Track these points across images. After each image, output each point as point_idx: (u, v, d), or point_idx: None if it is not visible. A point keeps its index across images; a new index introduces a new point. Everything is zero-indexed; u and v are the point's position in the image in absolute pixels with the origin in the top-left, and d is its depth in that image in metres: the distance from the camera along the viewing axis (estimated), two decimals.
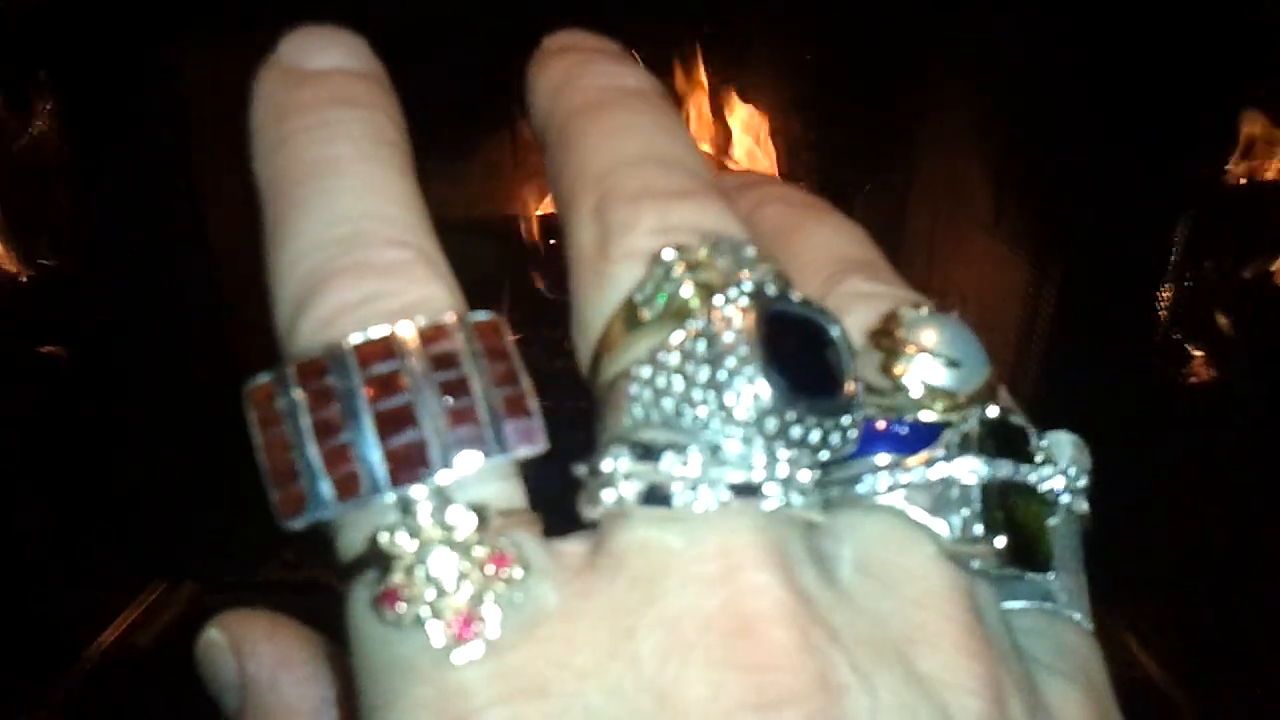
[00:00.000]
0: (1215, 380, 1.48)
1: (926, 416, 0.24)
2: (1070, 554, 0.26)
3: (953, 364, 0.24)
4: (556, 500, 0.23)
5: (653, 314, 0.22)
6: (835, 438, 0.22)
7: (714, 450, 0.21)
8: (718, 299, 0.22)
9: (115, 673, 1.30)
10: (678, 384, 0.21)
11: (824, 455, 0.22)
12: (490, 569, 0.20)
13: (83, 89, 1.27)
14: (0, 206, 1.39)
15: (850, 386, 0.22)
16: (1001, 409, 0.24)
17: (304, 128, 0.24)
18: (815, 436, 0.21)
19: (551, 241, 1.59)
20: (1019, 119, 1.40)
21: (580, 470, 0.22)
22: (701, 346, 0.21)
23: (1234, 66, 1.24)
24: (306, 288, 0.22)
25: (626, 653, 0.20)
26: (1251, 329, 1.46)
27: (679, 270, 0.22)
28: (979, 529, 0.23)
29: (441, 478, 0.20)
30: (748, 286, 0.22)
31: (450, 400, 0.20)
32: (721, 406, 0.21)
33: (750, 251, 0.23)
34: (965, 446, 0.23)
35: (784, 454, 0.21)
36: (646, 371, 0.22)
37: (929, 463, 0.23)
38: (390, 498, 0.20)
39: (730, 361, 0.21)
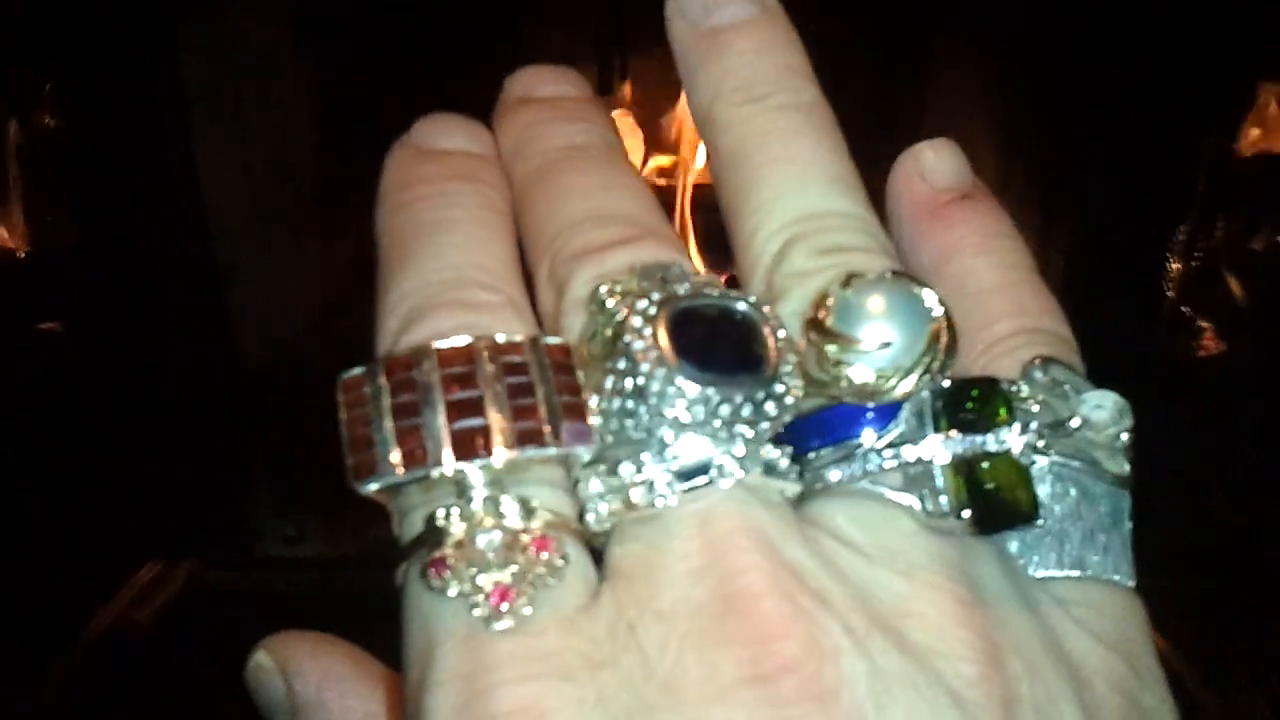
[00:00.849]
0: (1224, 352, 1.47)
1: (879, 385, 0.24)
2: (1106, 515, 0.26)
3: (885, 345, 0.24)
4: None
5: (596, 349, 0.24)
6: (769, 406, 0.23)
7: (662, 449, 0.23)
8: (633, 318, 0.24)
9: (114, 649, 1.30)
10: (616, 403, 0.23)
11: (764, 425, 0.23)
12: (531, 553, 0.22)
13: (81, 64, 1.26)
14: None
15: (770, 356, 0.24)
16: (956, 380, 0.25)
17: (424, 195, 0.28)
18: (747, 410, 0.23)
19: None
20: (1026, 87, 1.39)
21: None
22: (624, 363, 0.23)
23: (1248, 37, 1.23)
24: (409, 319, 0.25)
25: (633, 646, 0.22)
26: (1261, 301, 1.45)
27: (613, 303, 0.24)
28: (944, 503, 0.24)
29: (497, 459, 0.22)
30: (656, 295, 0.24)
31: (516, 399, 0.23)
32: (651, 410, 0.23)
33: (677, 269, 0.25)
34: (921, 421, 0.24)
35: (722, 433, 0.23)
36: (600, 401, 0.24)
37: (892, 444, 0.24)
38: (449, 470, 0.22)
39: (645, 367, 0.23)
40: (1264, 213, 1.45)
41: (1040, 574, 0.26)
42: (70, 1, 1.21)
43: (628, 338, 0.23)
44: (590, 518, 0.23)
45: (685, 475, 0.23)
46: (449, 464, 0.22)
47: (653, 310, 0.24)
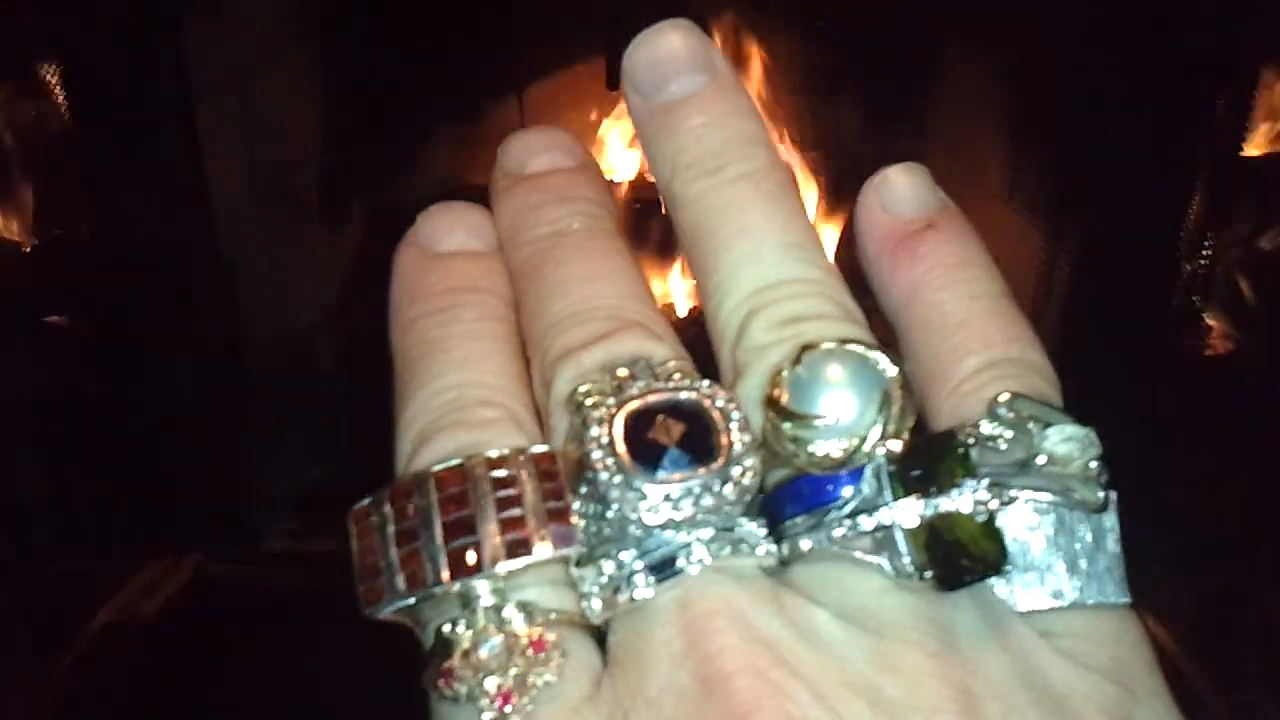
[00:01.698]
0: (1233, 352, 1.47)
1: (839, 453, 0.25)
2: (1087, 541, 0.27)
3: (841, 414, 0.25)
4: None
5: (574, 450, 0.26)
6: (728, 490, 0.25)
7: (636, 543, 0.25)
8: (591, 428, 0.25)
9: (118, 643, 1.30)
10: (590, 507, 0.25)
11: (727, 508, 0.25)
12: (531, 655, 0.24)
13: (87, 56, 1.26)
14: (1, 175, 1.38)
15: (722, 444, 0.25)
16: (908, 443, 0.25)
17: (427, 313, 0.30)
18: (707, 500, 0.24)
19: None
20: (1034, 88, 1.38)
21: None
22: (589, 472, 0.25)
23: (1255, 35, 1.22)
24: (417, 443, 0.27)
25: None
26: (1270, 300, 1.44)
27: (589, 402, 0.26)
28: (908, 564, 0.24)
29: (493, 574, 0.24)
30: (611, 401, 0.26)
31: (505, 512, 0.25)
32: (616, 514, 0.24)
33: (643, 364, 0.27)
34: (880, 486, 0.25)
35: (685, 524, 0.24)
36: (579, 504, 0.25)
37: (854, 513, 0.25)
38: (449, 590, 0.25)
39: (604, 476, 0.25)
40: (1273, 212, 1.44)
41: (1025, 608, 0.26)
42: None
43: (588, 447, 0.25)
44: (588, 611, 0.25)
45: (658, 567, 0.24)
46: (446, 584, 0.25)
47: (608, 416, 0.25)
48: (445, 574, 0.24)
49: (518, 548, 0.25)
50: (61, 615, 1.31)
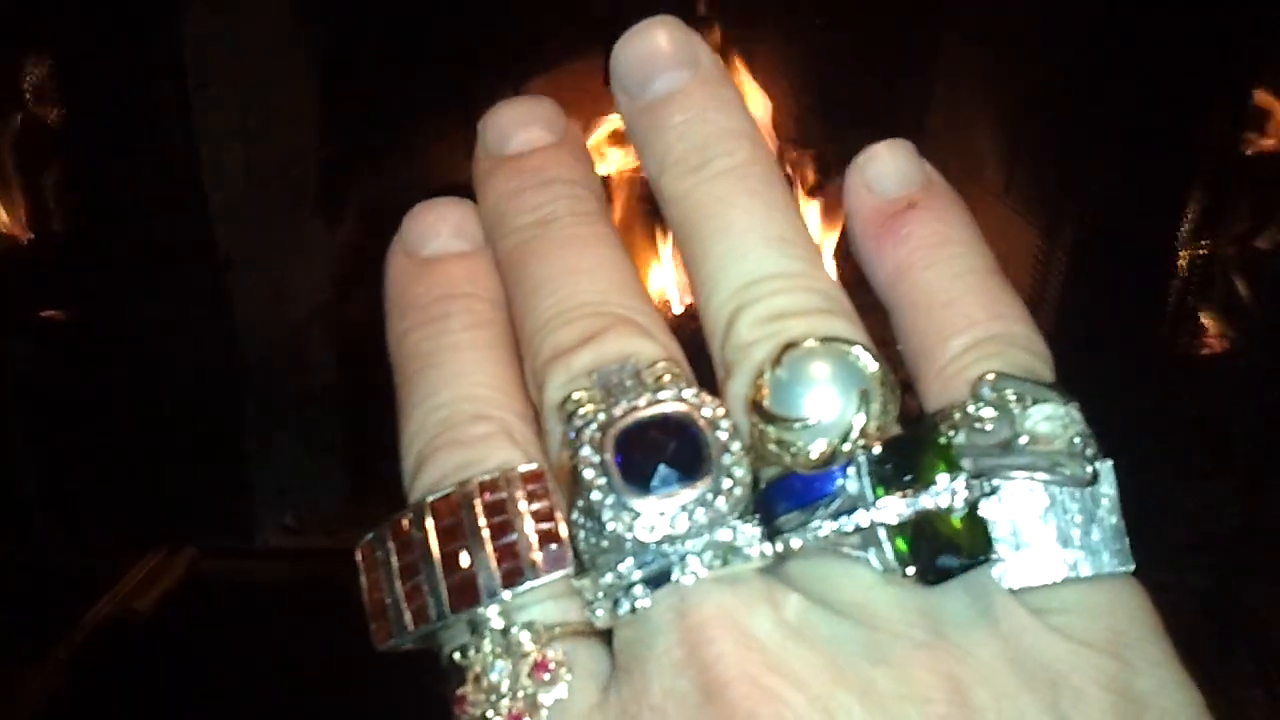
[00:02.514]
0: (1228, 351, 1.47)
1: (821, 453, 0.26)
2: (1079, 516, 0.27)
3: (824, 412, 0.26)
4: None
5: (566, 461, 0.26)
6: (719, 501, 0.25)
7: (633, 555, 0.25)
8: (582, 448, 0.26)
9: (114, 638, 1.30)
10: (585, 521, 0.26)
11: (718, 516, 0.25)
12: (537, 675, 0.25)
13: (83, 50, 1.26)
14: None
15: (711, 454, 0.25)
16: (887, 441, 0.25)
17: (416, 324, 0.30)
18: (699, 512, 0.25)
19: None
20: (1030, 85, 1.38)
21: None
22: (581, 491, 0.25)
23: (1251, 34, 1.22)
24: (417, 463, 0.28)
25: None
26: (1266, 298, 1.45)
27: (582, 411, 0.26)
28: (894, 560, 0.25)
29: (494, 602, 0.25)
30: (601, 417, 0.26)
31: (499, 540, 0.26)
32: (610, 530, 0.25)
33: (631, 368, 0.27)
34: (861, 484, 0.25)
35: (679, 535, 0.25)
36: (576, 516, 0.26)
37: (836, 513, 0.25)
38: (454, 621, 0.26)
39: (596, 496, 0.25)
40: (1269, 211, 1.44)
41: (1017, 586, 0.26)
42: None
43: (580, 467, 0.25)
44: (592, 619, 0.26)
45: (655, 580, 0.25)
46: (449, 618, 0.26)
47: (598, 434, 0.26)
48: (447, 608, 0.26)
49: (514, 576, 0.26)
50: (58, 609, 1.31)
